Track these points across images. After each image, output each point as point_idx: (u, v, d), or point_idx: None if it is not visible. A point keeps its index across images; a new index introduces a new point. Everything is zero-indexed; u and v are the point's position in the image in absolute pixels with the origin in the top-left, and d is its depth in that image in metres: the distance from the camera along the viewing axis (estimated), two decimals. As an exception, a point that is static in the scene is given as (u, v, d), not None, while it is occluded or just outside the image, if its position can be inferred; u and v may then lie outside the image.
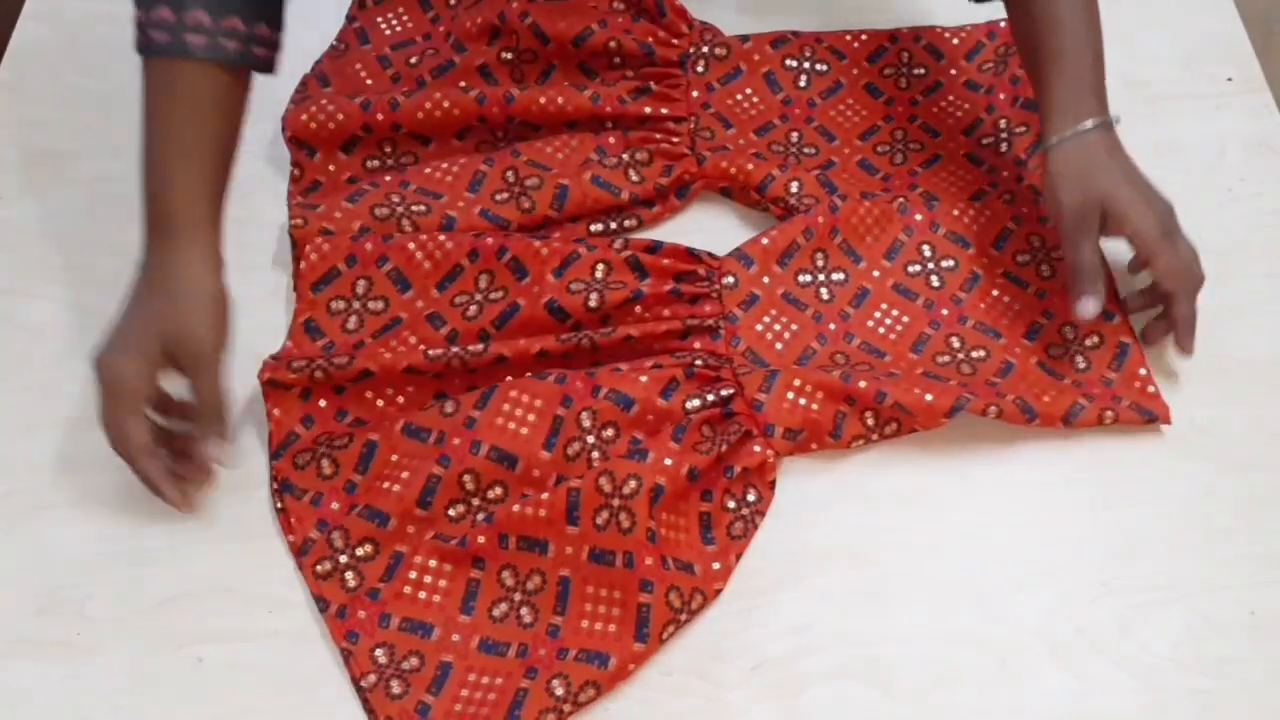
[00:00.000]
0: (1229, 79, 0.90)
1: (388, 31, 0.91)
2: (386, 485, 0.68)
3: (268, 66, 0.67)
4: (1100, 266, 0.71)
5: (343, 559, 0.66)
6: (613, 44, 0.85)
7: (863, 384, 0.70)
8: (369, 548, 0.66)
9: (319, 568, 0.66)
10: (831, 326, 0.76)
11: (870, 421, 0.71)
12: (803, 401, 0.70)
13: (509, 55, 0.86)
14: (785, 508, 0.70)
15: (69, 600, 0.66)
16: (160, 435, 0.66)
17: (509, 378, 0.70)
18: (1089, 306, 0.71)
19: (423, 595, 0.65)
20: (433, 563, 0.66)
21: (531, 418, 0.68)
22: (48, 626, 0.66)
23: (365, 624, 0.65)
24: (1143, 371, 0.73)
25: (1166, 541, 0.69)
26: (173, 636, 0.65)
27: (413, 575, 0.65)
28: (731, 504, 0.69)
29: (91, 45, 0.91)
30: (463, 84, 0.85)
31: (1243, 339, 0.77)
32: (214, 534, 0.68)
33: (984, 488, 0.71)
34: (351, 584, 0.66)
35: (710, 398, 0.70)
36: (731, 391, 0.71)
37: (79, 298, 0.78)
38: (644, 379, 0.70)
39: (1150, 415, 0.72)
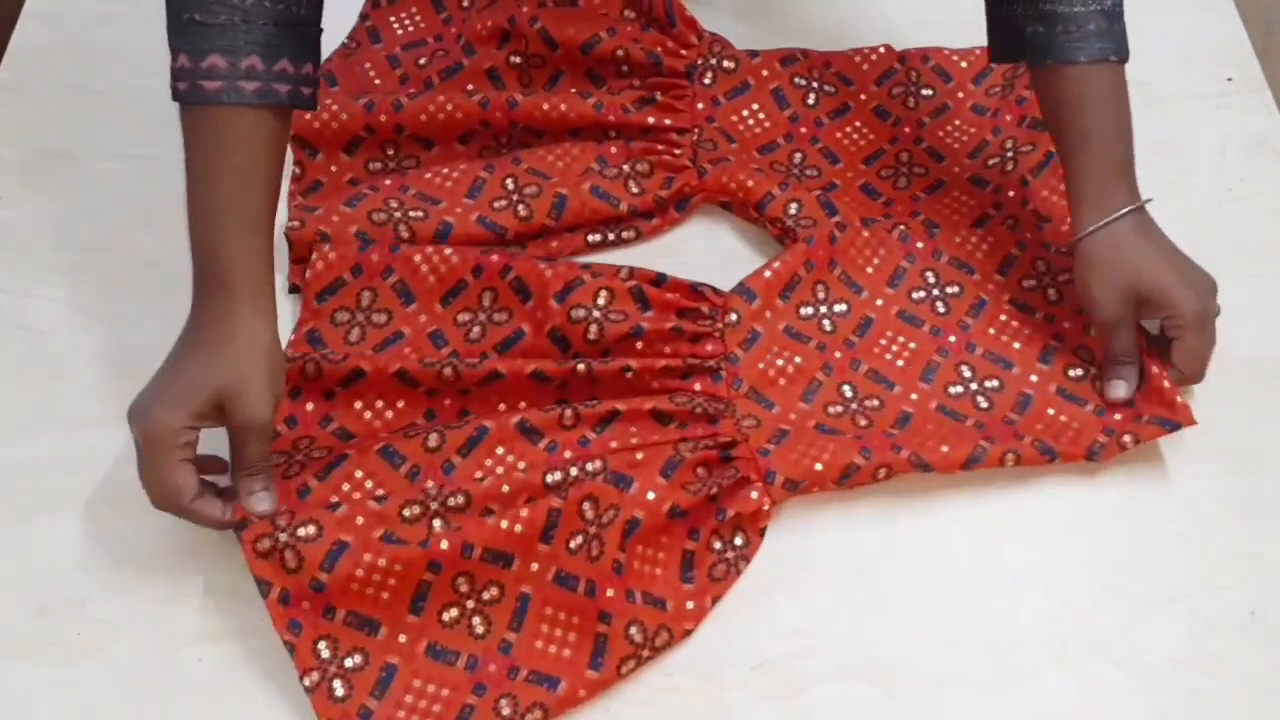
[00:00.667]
0: (1229, 79, 0.90)
1: (399, 31, 0.91)
2: (337, 506, 0.65)
3: (312, 103, 0.65)
4: (1136, 354, 0.72)
5: (282, 537, 0.63)
6: (620, 52, 0.85)
7: (875, 445, 0.69)
8: (311, 529, 0.63)
9: (259, 545, 0.63)
10: (837, 355, 0.75)
11: (881, 475, 0.69)
12: (807, 463, 0.68)
13: (517, 59, 0.86)
14: (786, 508, 0.70)
15: (69, 600, 0.66)
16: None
17: (498, 422, 0.69)
18: (1119, 390, 0.72)
19: (370, 591, 0.63)
20: (382, 561, 0.63)
21: (506, 490, 0.66)
22: (48, 626, 0.65)
23: (309, 614, 0.63)
24: (1166, 384, 0.71)
25: (1166, 541, 0.69)
26: (173, 636, 0.65)
27: (359, 572, 0.63)
28: (718, 545, 0.67)
29: (92, 46, 0.91)
30: (469, 87, 0.85)
31: (1243, 339, 0.77)
32: (214, 534, 0.68)
33: (984, 488, 0.71)
34: (291, 564, 0.62)
35: (708, 444, 0.69)
36: (728, 440, 0.69)
37: (79, 298, 0.78)
38: (641, 455, 0.68)
39: (1172, 425, 0.70)
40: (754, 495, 0.68)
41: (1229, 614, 0.67)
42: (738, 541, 0.68)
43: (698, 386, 0.72)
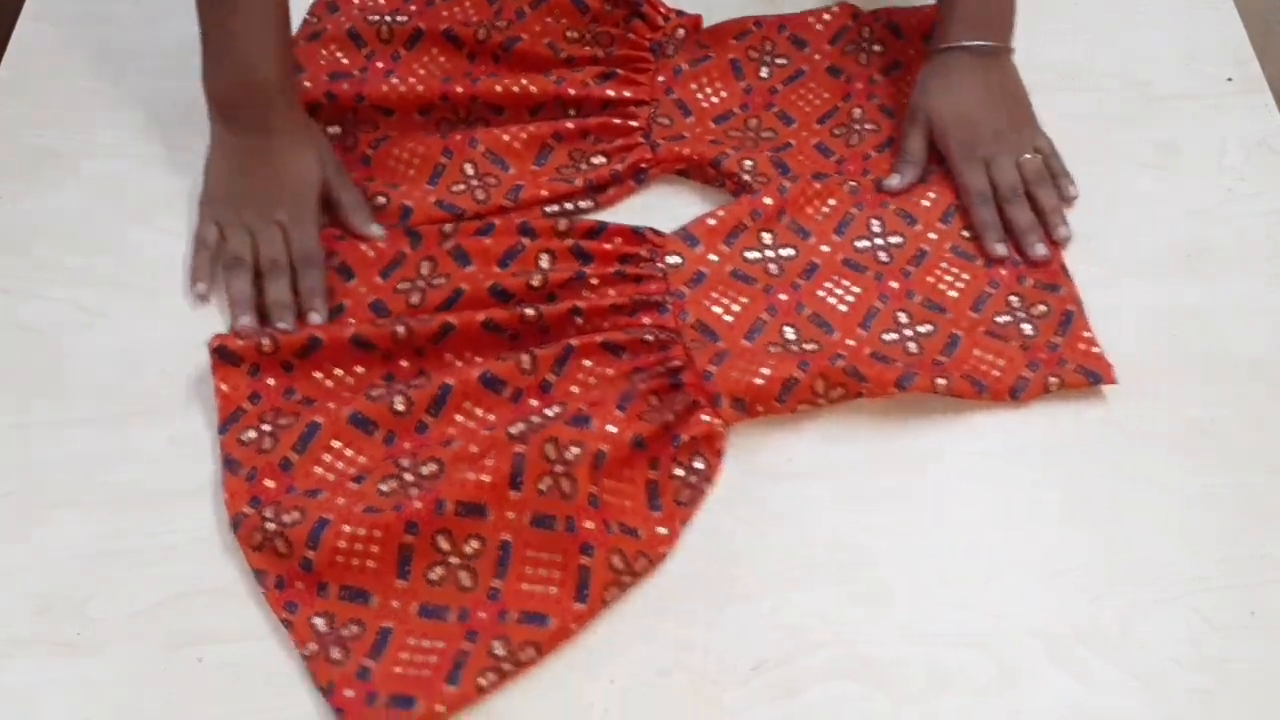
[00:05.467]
0: (1229, 79, 0.90)
1: (357, 1, 0.92)
2: (325, 473, 0.68)
3: None
4: (922, 157, 0.83)
5: (270, 527, 0.65)
6: (591, 23, 0.88)
7: (812, 358, 0.71)
8: (296, 514, 0.65)
9: (253, 539, 0.66)
10: (782, 297, 0.77)
11: (819, 387, 0.71)
12: (748, 379, 0.70)
13: (476, 19, 0.88)
14: (784, 508, 0.70)
15: (69, 600, 0.66)
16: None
17: (459, 377, 0.71)
18: (893, 180, 0.82)
19: (355, 563, 0.65)
20: (361, 530, 0.65)
21: (475, 450, 0.68)
22: (48, 626, 0.65)
23: (303, 594, 0.65)
24: (1086, 334, 0.75)
25: (1166, 541, 0.69)
26: (173, 636, 0.65)
27: (341, 544, 0.65)
28: (679, 471, 0.69)
29: (91, 45, 0.91)
30: (426, 69, 0.86)
31: (1243, 339, 0.77)
32: (214, 534, 0.68)
33: (984, 487, 0.71)
34: (282, 550, 0.65)
35: (659, 370, 0.71)
36: (680, 364, 0.71)
37: (79, 297, 0.78)
38: (596, 393, 0.70)
39: (1095, 377, 0.73)
40: (705, 418, 0.70)
41: (1229, 614, 0.67)
42: (698, 465, 0.70)
43: (646, 321, 0.74)
